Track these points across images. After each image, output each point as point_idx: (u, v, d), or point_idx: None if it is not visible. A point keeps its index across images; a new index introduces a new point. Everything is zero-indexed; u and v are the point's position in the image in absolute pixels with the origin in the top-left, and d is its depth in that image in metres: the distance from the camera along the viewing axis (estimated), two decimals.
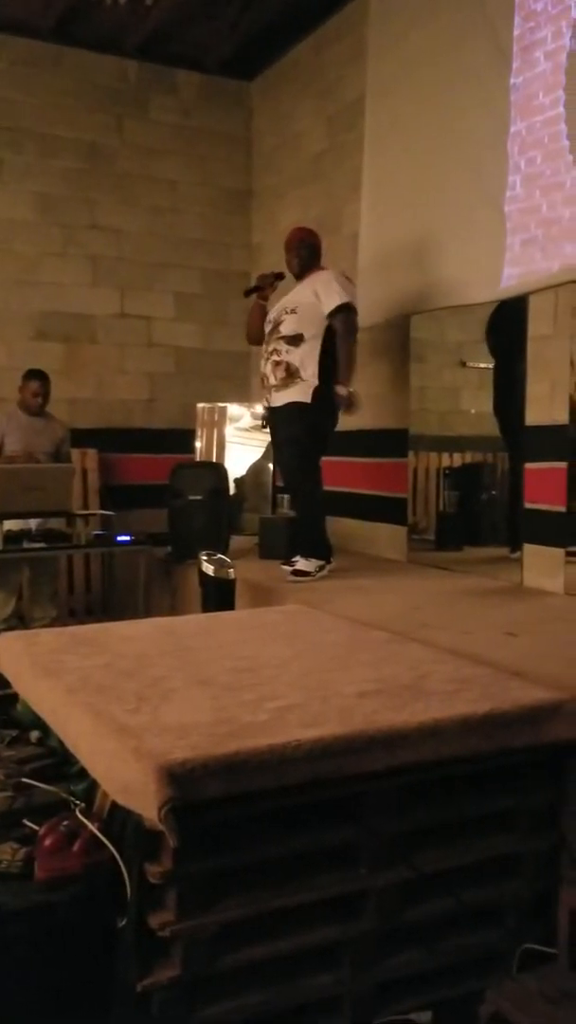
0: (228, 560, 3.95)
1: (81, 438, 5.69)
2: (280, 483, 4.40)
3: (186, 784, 1.79)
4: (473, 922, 2.19)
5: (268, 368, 4.09)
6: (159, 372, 6.40)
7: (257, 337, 4.37)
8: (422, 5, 4.73)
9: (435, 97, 4.62)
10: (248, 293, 4.56)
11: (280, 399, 4.09)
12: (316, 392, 4.04)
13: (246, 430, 6.15)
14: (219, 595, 3.84)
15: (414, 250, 4.67)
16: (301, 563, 4.15)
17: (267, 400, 4.17)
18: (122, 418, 6.26)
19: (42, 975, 1.84)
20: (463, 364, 5.31)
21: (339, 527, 5.42)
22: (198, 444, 6.12)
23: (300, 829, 2.00)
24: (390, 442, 5.03)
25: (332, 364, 4.06)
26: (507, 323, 4.32)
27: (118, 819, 1.95)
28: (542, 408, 4.00)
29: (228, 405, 6.17)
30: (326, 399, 4.04)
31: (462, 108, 4.43)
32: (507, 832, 2.23)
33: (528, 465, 4.11)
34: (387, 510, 5.07)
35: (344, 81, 5.51)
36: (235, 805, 1.89)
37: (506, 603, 3.74)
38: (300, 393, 4.04)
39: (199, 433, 6.13)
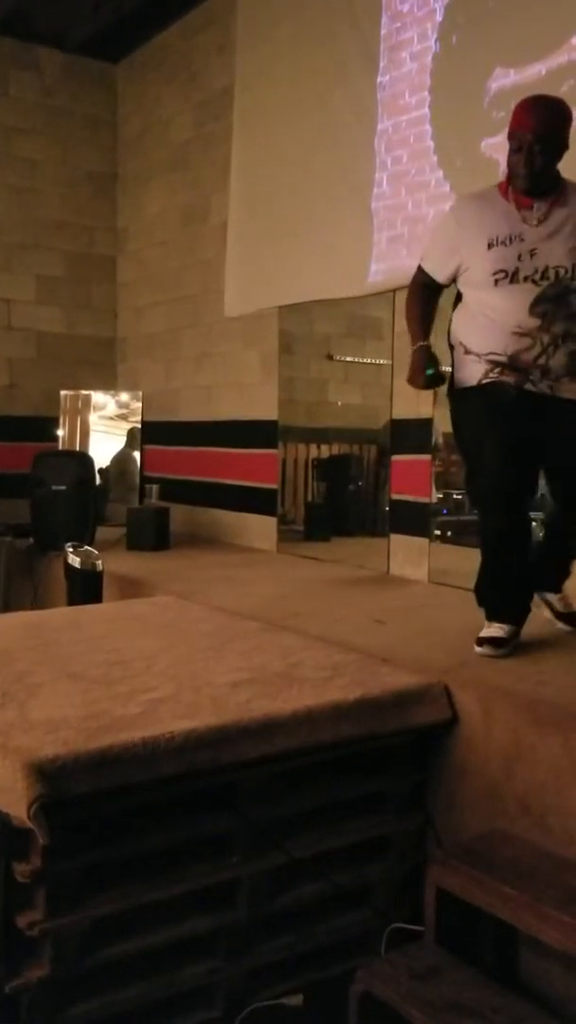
0: (95, 552, 3.87)
1: None
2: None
3: (57, 780, 1.75)
4: (344, 904, 2.23)
5: (561, 358, 2.64)
6: (20, 357, 6.17)
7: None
8: None
9: (303, 91, 4.64)
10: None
11: (570, 391, 2.69)
12: None
13: (111, 418, 6.02)
14: (86, 588, 3.76)
15: (283, 242, 4.69)
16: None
17: (549, 388, 2.66)
18: None
19: None
20: (330, 357, 5.39)
21: (209, 517, 5.41)
22: (60, 432, 5.95)
23: (174, 821, 1.99)
24: (260, 433, 5.04)
25: None
26: None
27: None
28: (408, 403, 4.10)
29: (92, 392, 6.03)
30: None
31: (330, 104, 4.48)
32: (376, 815, 2.29)
33: (394, 457, 4.22)
34: (257, 501, 5.09)
35: (212, 70, 5.46)
36: (108, 799, 1.86)
37: (373, 591, 3.82)
38: None
39: (62, 421, 5.97)
